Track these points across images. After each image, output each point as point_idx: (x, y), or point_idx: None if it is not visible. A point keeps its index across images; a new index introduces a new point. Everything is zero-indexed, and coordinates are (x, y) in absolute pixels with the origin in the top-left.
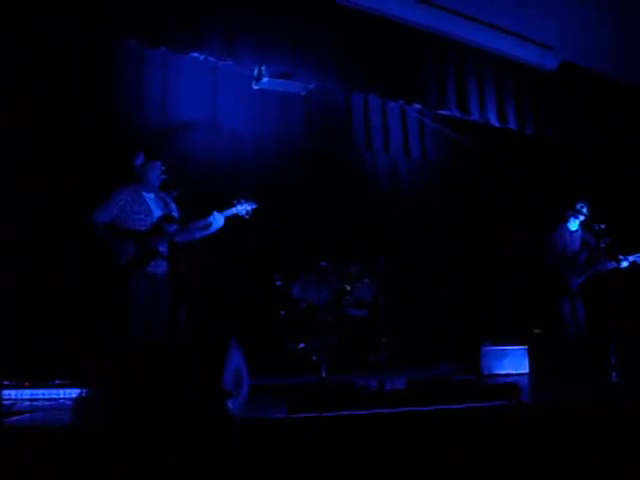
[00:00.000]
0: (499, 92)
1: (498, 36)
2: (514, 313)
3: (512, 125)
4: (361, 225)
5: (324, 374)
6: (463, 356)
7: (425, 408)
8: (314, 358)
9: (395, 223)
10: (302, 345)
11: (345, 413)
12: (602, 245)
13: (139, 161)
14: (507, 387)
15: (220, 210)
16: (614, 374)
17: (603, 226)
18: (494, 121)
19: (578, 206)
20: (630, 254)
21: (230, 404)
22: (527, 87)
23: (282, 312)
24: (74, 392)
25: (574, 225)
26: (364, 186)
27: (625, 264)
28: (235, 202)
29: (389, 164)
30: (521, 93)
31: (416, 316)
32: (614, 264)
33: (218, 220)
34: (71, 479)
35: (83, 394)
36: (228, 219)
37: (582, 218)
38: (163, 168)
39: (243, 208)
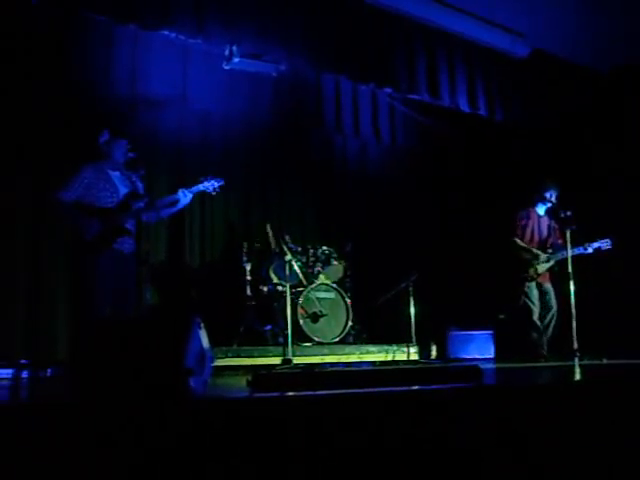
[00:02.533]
0: (470, 78)
1: (470, 22)
2: (481, 298)
3: (482, 111)
4: (329, 207)
5: (290, 355)
6: (429, 340)
7: (388, 389)
8: (280, 340)
9: (364, 206)
10: (269, 327)
11: (309, 393)
12: (568, 232)
13: (104, 138)
14: (469, 370)
15: (187, 187)
16: (577, 357)
17: (569, 213)
18: (464, 106)
19: (547, 194)
20: (595, 240)
21: (192, 383)
22: (498, 73)
23: (249, 293)
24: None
25: (542, 211)
26: (333, 169)
27: (590, 250)
28: (202, 179)
29: (359, 147)
30: (491, 79)
31: (383, 299)
32: (580, 250)
33: (185, 197)
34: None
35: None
36: (195, 196)
37: (550, 205)
38: (129, 146)
39: (210, 184)
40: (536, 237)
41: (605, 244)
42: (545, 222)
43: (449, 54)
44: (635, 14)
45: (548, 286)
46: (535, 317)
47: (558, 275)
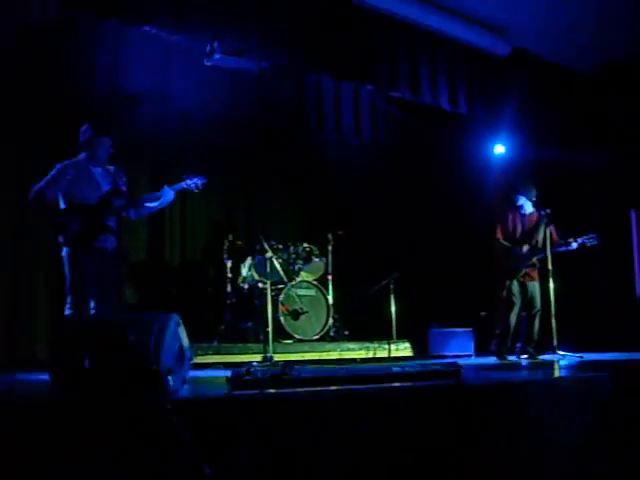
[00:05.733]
0: (451, 76)
1: (451, 20)
2: (462, 296)
3: (463, 109)
4: (311, 205)
5: (270, 352)
6: (411, 336)
7: (367, 387)
8: (261, 337)
9: (345, 203)
10: (249, 324)
11: (288, 391)
12: (548, 229)
13: (86, 135)
14: (449, 367)
15: (170, 184)
16: (558, 352)
17: (548, 211)
18: (445, 105)
19: (525, 190)
20: (579, 236)
21: (171, 381)
22: (479, 72)
23: (230, 290)
24: None
25: (528, 208)
26: (315, 166)
27: (574, 246)
28: (185, 176)
29: (341, 145)
30: (472, 77)
31: (365, 296)
32: (563, 247)
33: (168, 194)
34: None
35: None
36: (178, 193)
37: (531, 202)
38: (111, 143)
39: (193, 182)
40: (519, 237)
41: (591, 240)
42: (532, 220)
43: (430, 52)
44: (614, 13)
45: (533, 284)
46: (514, 313)
47: (539, 272)
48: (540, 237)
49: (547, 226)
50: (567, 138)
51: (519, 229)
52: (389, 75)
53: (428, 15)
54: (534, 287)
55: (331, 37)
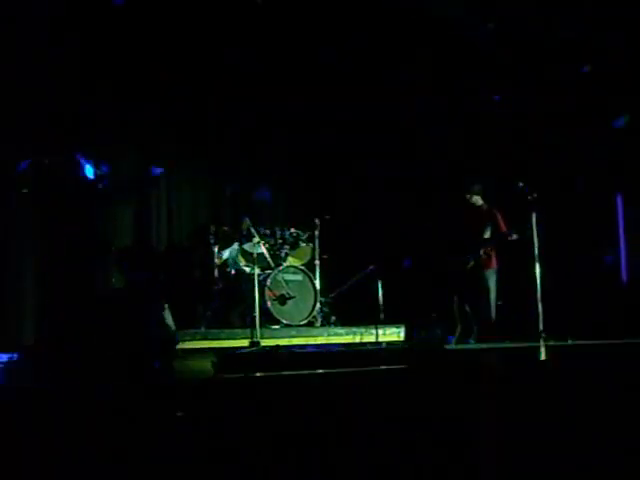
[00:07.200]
0: None
1: None
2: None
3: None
4: (298, 191)
5: (257, 337)
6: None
7: (354, 370)
8: (248, 322)
9: (333, 189)
10: (236, 309)
11: (272, 374)
12: (534, 214)
13: None
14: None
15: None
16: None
17: (535, 195)
18: None
19: (471, 188)
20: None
21: (157, 365)
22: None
23: (216, 276)
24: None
25: (477, 201)
26: (303, 151)
27: (515, 237)
28: None
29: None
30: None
31: (350, 281)
32: (506, 237)
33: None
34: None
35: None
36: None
37: (479, 196)
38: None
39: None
40: (468, 229)
41: (524, 231)
42: (481, 212)
43: None
44: None
45: (484, 272)
46: (457, 301)
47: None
48: (488, 230)
49: (532, 211)
50: (552, 122)
51: (468, 221)
52: None
53: None
54: (485, 275)
55: None
